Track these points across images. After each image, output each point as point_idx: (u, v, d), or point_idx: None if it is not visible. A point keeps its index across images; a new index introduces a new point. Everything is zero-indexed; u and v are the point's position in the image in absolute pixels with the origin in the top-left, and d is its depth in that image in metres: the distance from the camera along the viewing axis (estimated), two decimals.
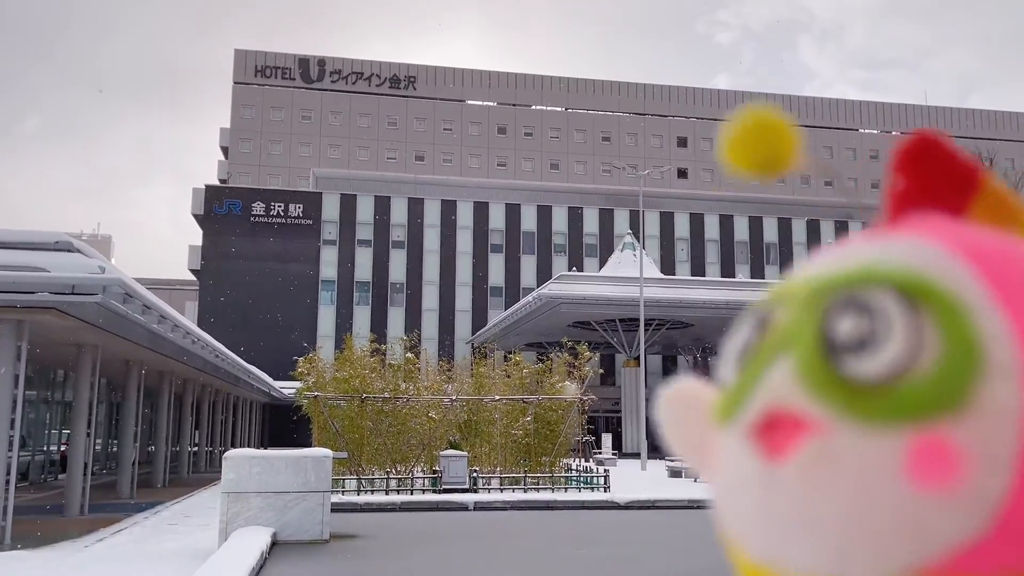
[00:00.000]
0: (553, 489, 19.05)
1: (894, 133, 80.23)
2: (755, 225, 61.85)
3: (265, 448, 16.56)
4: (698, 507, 16.73)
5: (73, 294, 11.94)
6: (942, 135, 0.51)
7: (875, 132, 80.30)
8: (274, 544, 10.92)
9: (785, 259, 61.66)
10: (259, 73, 70.52)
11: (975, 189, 0.51)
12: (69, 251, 12.80)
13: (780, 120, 0.54)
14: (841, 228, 61.82)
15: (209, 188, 56.81)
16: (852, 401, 0.41)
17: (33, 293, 11.60)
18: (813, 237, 61.38)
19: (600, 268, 51.18)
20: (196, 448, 30.03)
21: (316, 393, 19.71)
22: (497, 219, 58.68)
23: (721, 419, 0.48)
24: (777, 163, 0.54)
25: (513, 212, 58.86)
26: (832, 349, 0.42)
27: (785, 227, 62.12)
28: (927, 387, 0.40)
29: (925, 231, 0.47)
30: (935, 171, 0.51)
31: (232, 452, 11.75)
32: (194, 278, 58.00)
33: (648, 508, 16.72)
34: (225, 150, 71.10)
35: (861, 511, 0.40)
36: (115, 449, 25.35)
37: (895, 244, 0.46)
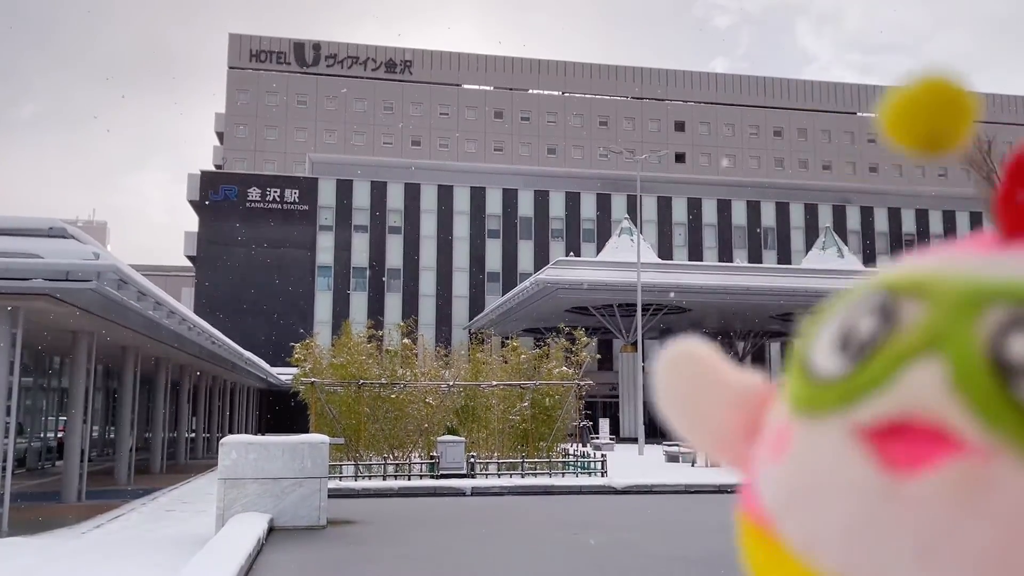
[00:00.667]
0: (551, 474, 19.07)
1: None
2: (753, 210, 61.78)
3: (263, 434, 16.53)
4: (695, 492, 16.77)
5: (67, 280, 11.89)
6: None
7: (873, 115, 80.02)
8: (271, 530, 10.92)
9: (782, 242, 61.62)
10: (254, 58, 70.15)
11: None
12: (63, 237, 12.74)
13: (956, 88, 0.47)
14: (838, 213, 61.74)
15: (205, 174, 56.62)
16: (1022, 428, 0.37)
17: (27, 279, 11.55)
18: (811, 221, 61.30)
19: (598, 253, 51.13)
20: (193, 434, 30.04)
21: (313, 379, 19.69)
22: (494, 204, 58.56)
23: (809, 407, 0.44)
24: (946, 139, 0.48)
25: (510, 197, 58.72)
26: (1004, 368, 0.38)
27: (783, 211, 62.05)
28: None
29: None
30: None
31: (229, 438, 11.74)
32: (190, 264, 57.90)
33: (645, 493, 16.74)
34: (220, 135, 70.81)
35: (1011, 549, 0.36)
36: (112, 436, 25.35)
37: None
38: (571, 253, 55.25)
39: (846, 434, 0.41)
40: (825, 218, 60.61)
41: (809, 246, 56.30)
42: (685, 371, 0.53)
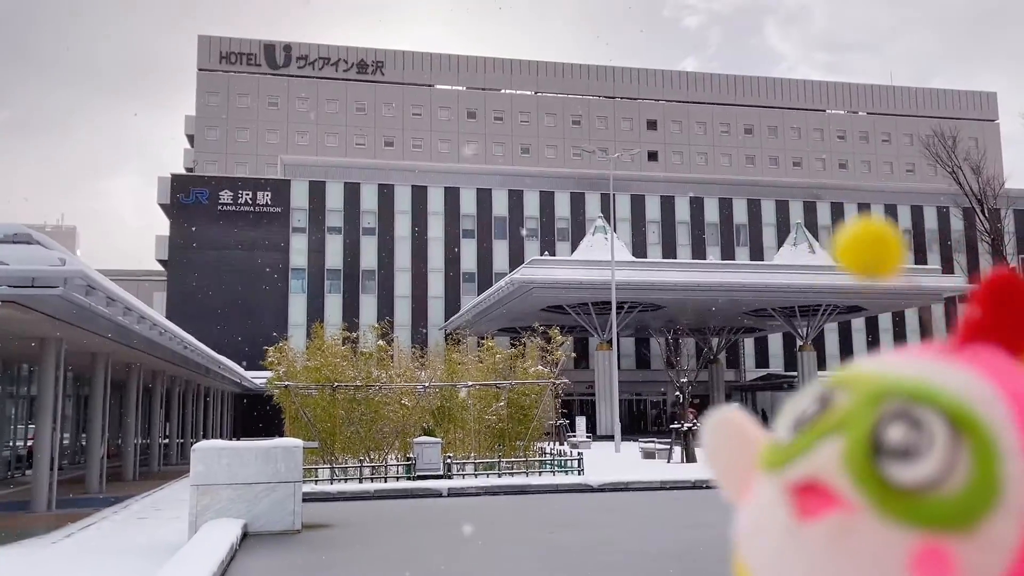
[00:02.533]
0: (527, 473, 19.07)
1: (860, 113, 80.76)
2: (725, 207, 62.15)
3: (237, 439, 16.40)
4: (670, 488, 16.84)
5: (33, 287, 11.71)
6: (1021, 279, 0.59)
7: (842, 112, 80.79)
8: (245, 536, 10.81)
9: (754, 239, 61.99)
10: (224, 59, 69.54)
11: None
12: (28, 243, 12.54)
13: (888, 234, 0.62)
14: (809, 209, 62.19)
15: (175, 177, 56.06)
16: (883, 496, 0.50)
17: None
18: (782, 217, 61.72)
19: (572, 252, 51.21)
20: (167, 440, 29.71)
21: (287, 383, 19.54)
22: (468, 204, 58.45)
23: (767, 466, 0.58)
24: (882, 269, 0.62)
25: (484, 197, 58.65)
26: (879, 448, 0.51)
27: (754, 208, 62.46)
28: (949, 506, 0.48)
29: (984, 366, 0.55)
30: (1010, 309, 0.59)
31: (200, 444, 11.60)
32: (162, 268, 57.33)
33: (622, 490, 16.78)
34: (191, 138, 70.12)
35: None
36: (83, 443, 25.00)
37: (958, 372, 0.54)
38: (546, 252, 55.29)
39: (779, 487, 0.55)
40: (796, 214, 61.06)
41: (781, 242, 56.72)
42: (725, 434, 0.66)
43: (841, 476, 0.52)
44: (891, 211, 63.57)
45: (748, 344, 60.72)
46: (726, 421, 0.66)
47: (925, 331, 59.86)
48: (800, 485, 0.54)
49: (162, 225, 55.61)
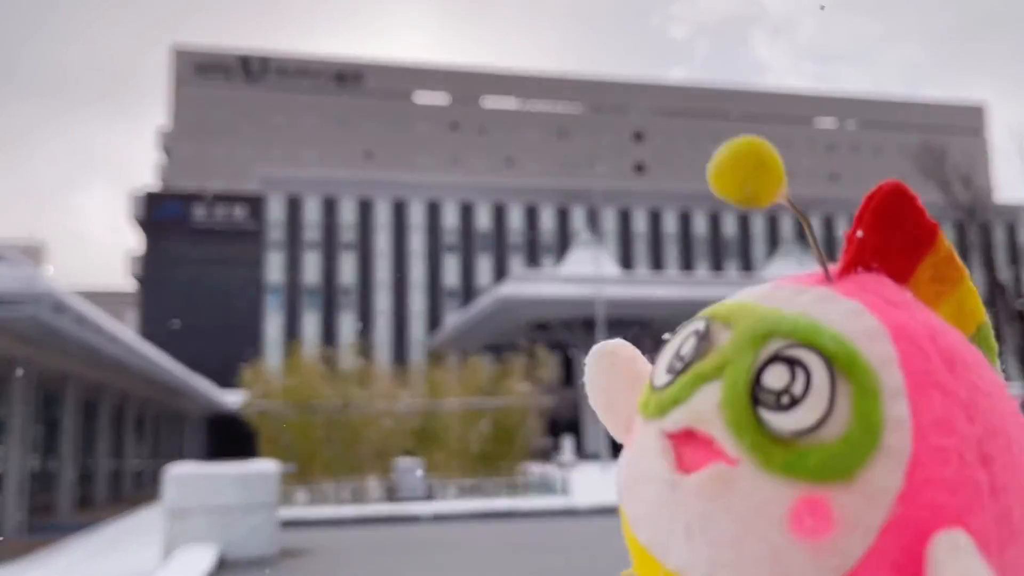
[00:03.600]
0: (511, 496, 18.70)
1: (850, 125, 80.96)
2: (713, 220, 62.02)
3: (212, 460, 15.96)
4: None
5: (1, 305, 11.35)
6: (910, 191, 0.55)
7: (831, 124, 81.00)
8: (220, 562, 10.46)
9: (744, 253, 61.96)
10: (199, 72, 68.72)
11: (930, 248, 0.56)
12: None
13: (766, 154, 0.56)
14: (798, 223, 62.21)
15: (148, 192, 55.38)
16: (760, 446, 0.47)
17: None
18: (772, 231, 61.70)
19: (558, 267, 50.92)
20: (139, 463, 29.11)
21: (263, 404, 19.13)
22: (450, 218, 57.98)
23: (645, 412, 0.55)
24: (761, 196, 0.56)
25: (467, 211, 58.27)
26: (757, 395, 0.48)
27: (743, 222, 62.40)
28: (826, 456, 0.46)
29: (870, 297, 0.53)
30: (898, 227, 0.55)
31: (174, 468, 11.28)
32: (135, 286, 56.59)
33: (608, 513, 16.44)
34: (165, 152, 69.31)
35: (741, 537, 0.47)
36: (53, 467, 24.42)
37: (841, 306, 0.52)
38: (531, 267, 54.99)
39: (657, 436, 0.52)
40: (787, 227, 61.07)
41: (771, 256, 56.70)
42: (605, 364, 0.62)
43: (719, 425, 0.49)
44: None
45: None
46: (609, 353, 0.62)
47: None
48: (679, 434, 0.51)
49: (135, 241, 54.79)
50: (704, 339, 0.53)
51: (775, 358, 0.49)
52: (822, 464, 0.46)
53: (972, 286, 0.57)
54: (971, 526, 0.46)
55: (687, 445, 0.50)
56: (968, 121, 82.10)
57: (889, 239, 0.55)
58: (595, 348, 0.63)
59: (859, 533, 0.46)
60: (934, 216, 0.54)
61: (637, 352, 0.63)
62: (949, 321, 0.55)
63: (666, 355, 0.56)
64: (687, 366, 0.52)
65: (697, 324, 0.55)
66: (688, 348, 0.54)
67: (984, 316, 0.58)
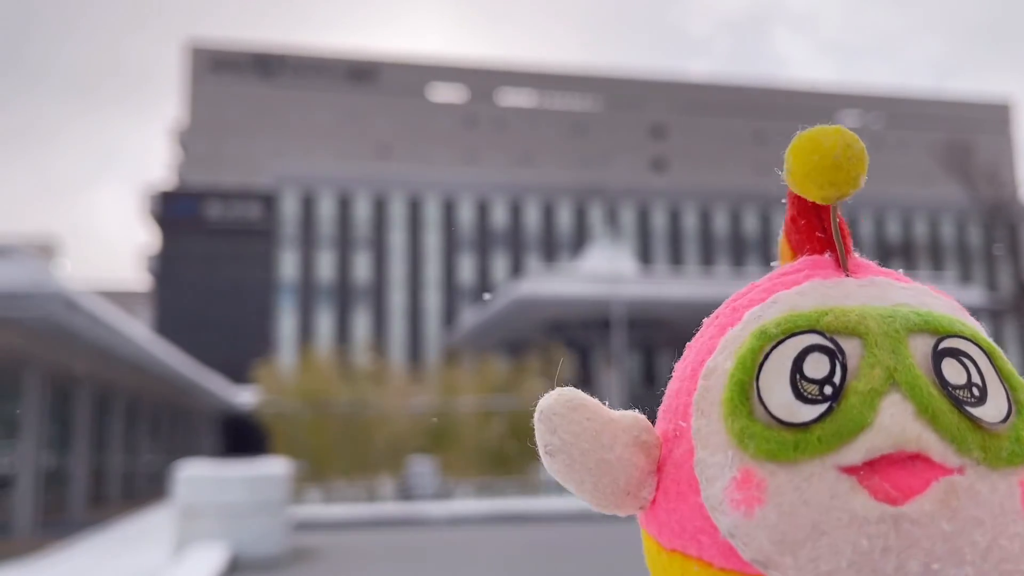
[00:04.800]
0: (525, 495, 18.52)
1: (872, 121, 79.97)
2: (734, 217, 61.51)
3: (225, 458, 15.90)
4: None
5: (12, 303, 11.29)
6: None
7: (853, 120, 79.96)
8: (230, 562, 10.36)
9: (765, 251, 61.43)
10: (214, 68, 68.75)
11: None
12: (7, 258, 12.12)
13: (849, 140, 0.55)
14: None
15: (163, 190, 55.53)
16: (987, 445, 0.46)
17: None
18: None
19: (575, 265, 50.64)
20: (152, 461, 29.13)
21: (276, 402, 19.06)
22: (466, 215, 57.82)
23: (792, 454, 0.47)
24: (852, 186, 0.55)
25: (483, 208, 58.10)
26: (948, 393, 0.47)
27: (764, 219, 61.86)
28: None
29: (907, 279, 0.56)
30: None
31: (185, 466, 11.20)
32: (149, 282, 56.80)
33: (628, 517, 16.21)
34: (180, 148, 69.51)
35: (992, 544, 0.45)
36: (66, 465, 24.43)
37: (913, 290, 0.53)
38: (547, 265, 54.72)
39: (834, 474, 0.46)
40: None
41: None
42: (580, 421, 0.54)
43: (932, 437, 0.46)
44: (908, 221, 63.12)
45: None
46: (579, 406, 0.54)
47: None
48: (870, 463, 0.46)
49: (149, 238, 55.09)
50: (840, 353, 0.48)
51: (941, 353, 0.48)
52: None
53: None
54: None
55: (875, 474, 0.45)
56: (994, 118, 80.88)
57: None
58: (552, 407, 0.53)
59: None
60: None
61: (593, 397, 0.55)
62: None
63: (775, 383, 0.49)
64: (840, 388, 0.47)
65: (810, 339, 0.49)
66: (820, 369, 0.48)
67: None
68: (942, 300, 0.52)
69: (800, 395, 0.48)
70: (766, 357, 0.50)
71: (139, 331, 17.05)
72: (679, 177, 71.60)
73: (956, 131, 63.31)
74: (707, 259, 60.03)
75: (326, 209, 55.70)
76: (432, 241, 56.62)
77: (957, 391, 0.47)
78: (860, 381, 0.47)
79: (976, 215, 57.06)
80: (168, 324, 49.29)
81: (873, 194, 66.69)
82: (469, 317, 49.94)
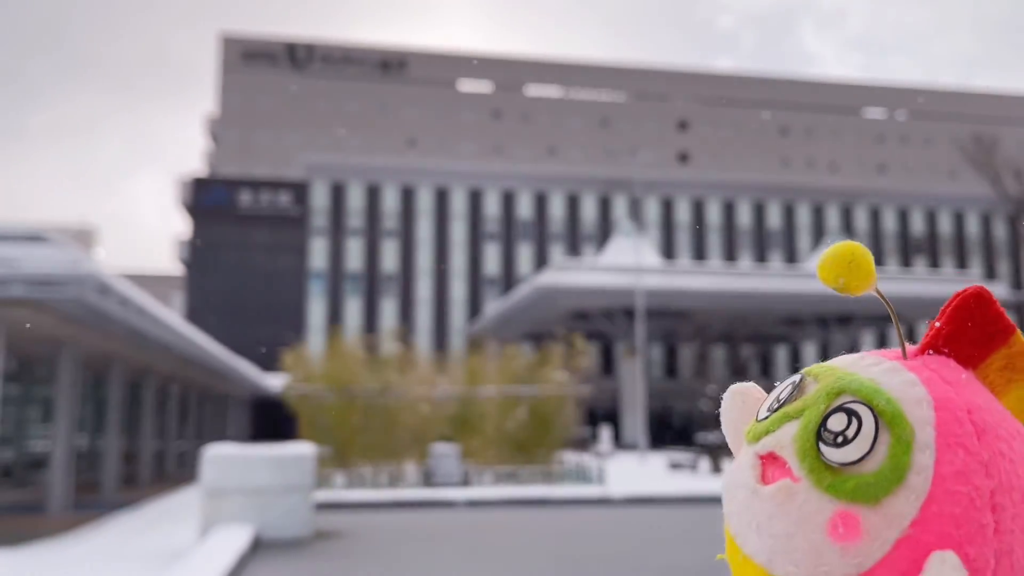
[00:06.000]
0: (548, 484, 18.71)
1: (899, 115, 78.95)
2: (758, 211, 61.13)
3: (253, 442, 16.23)
4: (696, 501, 16.38)
5: (47, 288, 11.60)
6: (991, 294, 0.69)
7: (878, 114, 79.06)
8: (256, 543, 10.61)
9: (788, 244, 60.98)
10: (246, 59, 69.33)
11: (1004, 343, 0.70)
12: (44, 244, 12.45)
13: (859, 254, 0.71)
14: (846, 214, 61.04)
15: (196, 178, 56.16)
16: (816, 469, 0.64)
17: (5, 284, 11.24)
18: (818, 222, 60.60)
19: (598, 256, 50.65)
20: (183, 443, 29.62)
21: (303, 388, 19.35)
22: (492, 206, 57.95)
23: (747, 438, 0.72)
24: (852, 288, 0.71)
25: (508, 199, 58.20)
26: (821, 433, 0.65)
27: (788, 213, 61.43)
28: (861, 483, 0.62)
29: (928, 374, 0.68)
30: (974, 322, 0.70)
31: (212, 449, 11.47)
32: (182, 270, 57.50)
33: (644, 503, 16.37)
34: (213, 139, 70.22)
35: (793, 535, 0.63)
36: (99, 446, 24.95)
37: (902, 377, 0.67)
38: (571, 256, 54.76)
39: (751, 456, 0.69)
40: (832, 219, 60.01)
41: (815, 247, 55.79)
42: (737, 401, 0.77)
43: (791, 452, 0.66)
44: (932, 217, 62.37)
45: (780, 355, 59.72)
46: (741, 392, 0.77)
47: None
48: (764, 455, 0.68)
49: (183, 226, 55.76)
50: (797, 388, 0.70)
51: (839, 408, 0.65)
52: (857, 489, 0.62)
53: None
54: (969, 554, 0.61)
55: (770, 465, 0.67)
56: (1021, 112, 79.60)
57: (963, 331, 0.70)
58: (732, 388, 0.78)
59: (878, 543, 0.61)
60: (987, 210, 0.66)
61: (763, 393, 0.77)
62: (1017, 404, 0.70)
63: (771, 398, 0.72)
64: (781, 407, 0.69)
65: (795, 377, 0.72)
66: (785, 393, 0.71)
67: None
68: (911, 391, 0.66)
69: (770, 408, 0.71)
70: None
71: (170, 315, 17.39)
72: (703, 170, 71.20)
73: (982, 126, 62.34)
74: (730, 252, 59.77)
75: (355, 199, 56.14)
76: (458, 231, 56.88)
77: (827, 432, 0.64)
78: (789, 406, 0.69)
79: (1002, 210, 56.35)
80: (200, 309, 50.00)
81: (898, 189, 66.11)
82: (493, 307, 50.17)
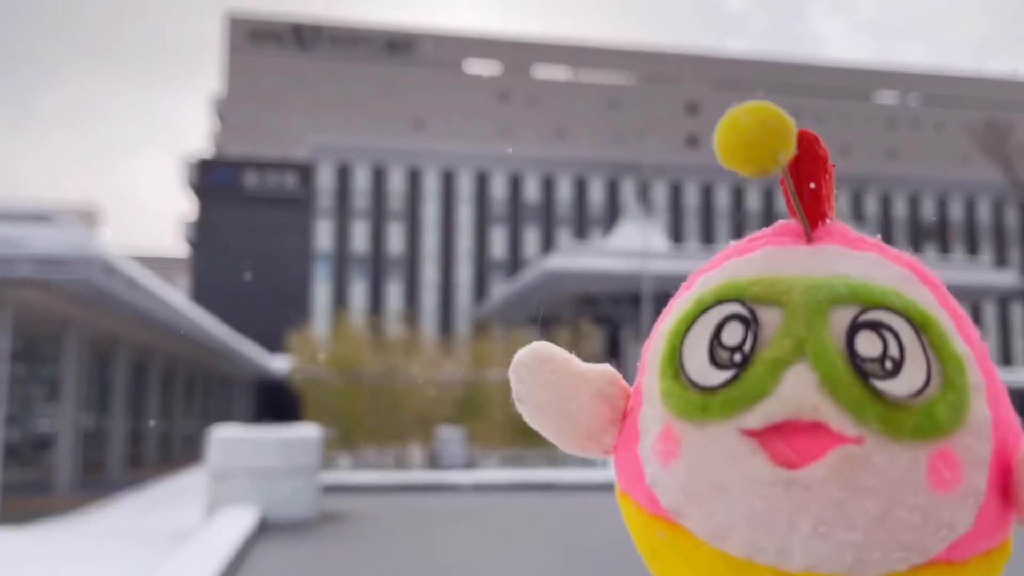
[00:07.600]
0: (554, 468, 18.71)
1: (911, 100, 78.38)
2: (767, 195, 60.91)
3: (259, 424, 16.23)
4: None
5: (53, 268, 11.57)
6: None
7: (890, 99, 78.50)
8: (261, 524, 10.62)
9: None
10: (253, 39, 69.02)
11: (816, 159, 0.57)
12: (49, 224, 12.42)
13: (776, 118, 0.55)
14: (856, 199, 60.75)
15: (201, 159, 56.07)
16: (888, 417, 0.47)
17: (11, 264, 11.22)
18: None
19: (606, 240, 50.48)
20: (188, 424, 29.73)
21: (309, 370, 19.36)
22: (499, 189, 57.79)
23: (702, 416, 0.51)
24: (769, 163, 0.55)
25: (516, 182, 58.03)
26: (857, 365, 0.48)
27: None
28: (948, 407, 0.48)
29: (868, 246, 0.55)
30: (823, 169, 0.57)
31: (219, 430, 11.47)
32: (187, 250, 57.52)
33: None
34: (219, 119, 70.04)
35: (887, 513, 0.47)
36: (105, 426, 25.05)
37: (860, 261, 0.53)
38: (579, 240, 54.62)
39: (736, 437, 0.49)
40: (842, 204, 59.71)
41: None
42: (545, 373, 0.60)
43: (831, 407, 0.48)
44: (943, 202, 62.03)
45: None
46: (547, 359, 0.59)
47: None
48: (763, 430, 0.49)
49: (188, 207, 55.73)
50: (756, 324, 0.51)
51: (859, 326, 0.49)
52: (948, 416, 0.48)
53: None
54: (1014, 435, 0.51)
55: (779, 439, 0.48)
56: None
57: (826, 183, 0.56)
58: (522, 359, 0.59)
59: (981, 468, 0.49)
60: (999, 196, 0.58)
61: (565, 351, 0.60)
62: None
63: (695, 348, 0.53)
64: (749, 355, 0.50)
65: (730, 308, 0.52)
66: (735, 336, 0.51)
67: None
68: (894, 270, 0.53)
69: (715, 361, 0.51)
70: (693, 323, 0.54)
71: (176, 296, 17.40)
72: (712, 154, 70.40)
73: (994, 111, 61.86)
74: (739, 236, 59.04)
75: (361, 180, 55.97)
76: (465, 214, 56.72)
77: (866, 363, 0.48)
78: (769, 350, 0.49)
79: (1013, 196, 55.97)
80: (205, 290, 50.01)
81: (909, 174, 65.64)
82: (500, 290, 50.10)
